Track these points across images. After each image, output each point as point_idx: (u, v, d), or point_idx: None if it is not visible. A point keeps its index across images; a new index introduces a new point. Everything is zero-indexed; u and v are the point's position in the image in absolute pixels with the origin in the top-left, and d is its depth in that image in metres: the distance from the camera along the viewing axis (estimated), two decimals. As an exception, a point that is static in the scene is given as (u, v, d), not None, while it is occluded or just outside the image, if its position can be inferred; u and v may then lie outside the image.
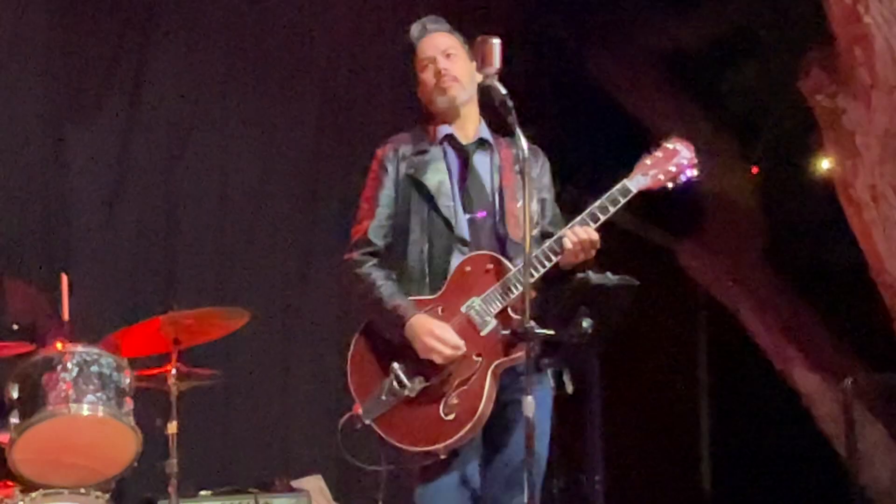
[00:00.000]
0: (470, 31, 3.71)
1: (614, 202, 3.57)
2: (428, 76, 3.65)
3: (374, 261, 3.55)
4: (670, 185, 3.67)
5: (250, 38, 6.64)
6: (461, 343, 3.41)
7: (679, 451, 7.59)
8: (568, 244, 3.49)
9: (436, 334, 3.39)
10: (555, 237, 3.52)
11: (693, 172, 3.68)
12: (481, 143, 3.72)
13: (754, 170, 7.25)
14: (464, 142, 3.69)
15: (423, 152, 3.64)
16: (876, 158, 5.58)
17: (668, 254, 7.28)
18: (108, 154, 6.22)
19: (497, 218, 3.68)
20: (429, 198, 3.59)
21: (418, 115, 3.78)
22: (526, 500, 3.28)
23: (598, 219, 3.55)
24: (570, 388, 3.34)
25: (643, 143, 7.05)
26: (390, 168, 3.64)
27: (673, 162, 3.68)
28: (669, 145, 3.70)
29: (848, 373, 6.19)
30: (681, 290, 7.43)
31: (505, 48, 3.50)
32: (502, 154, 3.73)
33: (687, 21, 7.15)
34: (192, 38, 6.50)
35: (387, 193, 3.62)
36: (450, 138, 3.67)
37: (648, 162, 3.67)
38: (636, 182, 3.61)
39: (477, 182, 3.68)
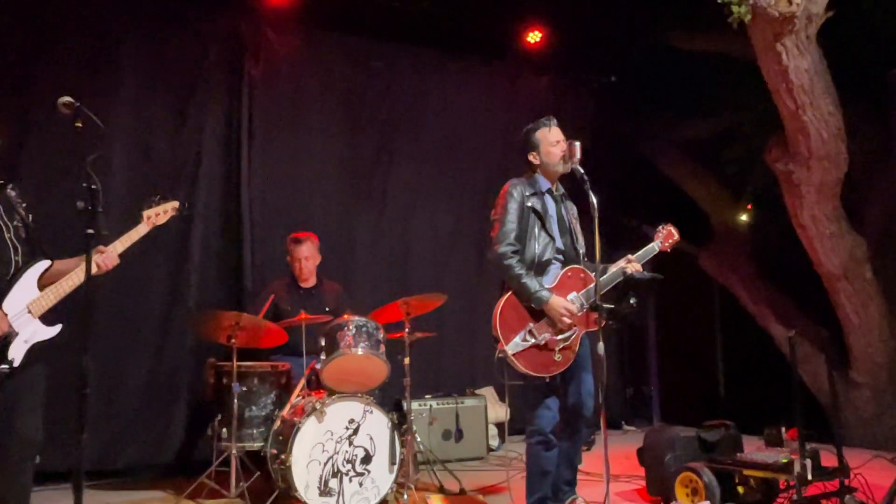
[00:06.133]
0: (567, 130, 3.77)
1: (648, 254, 3.79)
2: (557, 150, 3.65)
3: (518, 256, 3.53)
4: (668, 250, 3.87)
5: (448, 139, 6.65)
6: (576, 313, 3.49)
7: (704, 371, 7.43)
8: (630, 272, 3.67)
9: (567, 309, 3.46)
10: (620, 267, 3.66)
11: (674, 245, 3.90)
12: (563, 195, 3.79)
13: (749, 206, 7.09)
14: (557, 193, 3.75)
15: (535, 194, 3.65)
16: (814, 199, 5.46)
17: (693, 258, 7.14)
18: (373, 215, 6.36)
19: (574, 240, 3.74)
20: (541, 223, 3.63)
21: (525, 164, 3.76)
22: (600, 400, 3.39)
23: (642, 261, 3.70)
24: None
25: (673, 194, 7.03)
26: (519, 199, 3.61)
27: (672, 239, 3.91)
28: (671, 229, 3.90)
29: (795, 326, 6.04)
30: (702, 279, 7.28)
31: (584, 144, 3.58)
32: (568, 203, 3.81)
33: (701, 121, 7.03)
34: (418, 145, 6.54)
35: (517, 215, 3.58)
36: (549, 190, 3.72)
37: (662, 232, 3.85)
38: (658, 245, 3.85)
39: (563, 218, 3.75)
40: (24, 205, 3.07)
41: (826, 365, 5.76)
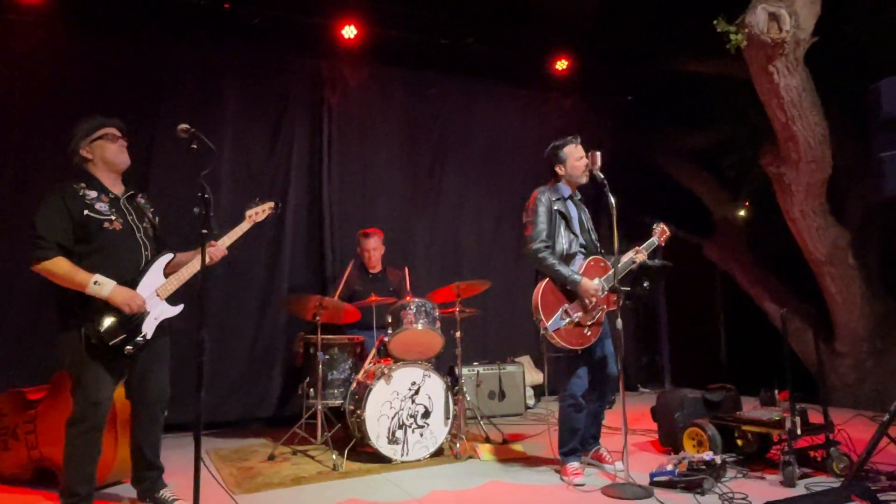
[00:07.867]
0: (590, 142, 3.75)
1: (650, 248, 3.74)
2: (581, 164, 3.61)
3: (550, 250, 3.52)
4: (663, 244, 3.81)
5: (490, 152, 6.59)
6: (601, 294, 3.46)
7: (708, 343, 7.26)
8: (638, 260, 3.61)
9: (595, 289, 3.43)
10: (631, 257, 3.63)
11: (667, 239, 3.83)
12: (580, 200, 3.76)
13: (746, 204, 6.90)
14: (576, 199, 3.72)
15: (559, 199, 3.62)
16: (803, 197, 5.26)
17: (698, 248, 6.97)
18: (428, 215, 6.31)
19: (592, 237, 3.70)
20: (567, 223, 3.60)
21: (549, 173, 3.71)
22: (619, 367, 3.35)
23: (646, 253, 3.63)
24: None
25: (681, 195, 6.88)
26: (547, 204, 3.58)
27: (665, 235, 3.85)
28: (664, 226, 3.84)
29: (786, 304, 5.86)
30: (706, 266, 7.10)
31: (604, 154, 3.53)
32: (584, 207, 3.78)
33: (705, 132, 6.86)
34: (465, 157, 6.49)
35: (546, 217, 3.55)
36: (570, 196, 3.68)
37: (657, 229, 3.77)
38: (656, 240, 3.79)
39: (583, 219, 3.71)
40: (151, 209, 3.18)
41: (813, 337, 5.60)
